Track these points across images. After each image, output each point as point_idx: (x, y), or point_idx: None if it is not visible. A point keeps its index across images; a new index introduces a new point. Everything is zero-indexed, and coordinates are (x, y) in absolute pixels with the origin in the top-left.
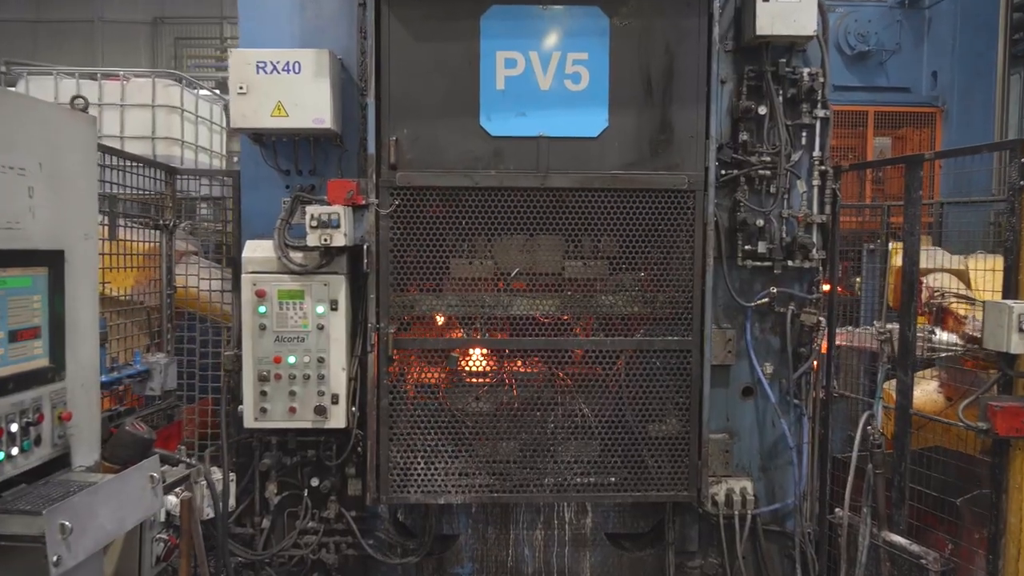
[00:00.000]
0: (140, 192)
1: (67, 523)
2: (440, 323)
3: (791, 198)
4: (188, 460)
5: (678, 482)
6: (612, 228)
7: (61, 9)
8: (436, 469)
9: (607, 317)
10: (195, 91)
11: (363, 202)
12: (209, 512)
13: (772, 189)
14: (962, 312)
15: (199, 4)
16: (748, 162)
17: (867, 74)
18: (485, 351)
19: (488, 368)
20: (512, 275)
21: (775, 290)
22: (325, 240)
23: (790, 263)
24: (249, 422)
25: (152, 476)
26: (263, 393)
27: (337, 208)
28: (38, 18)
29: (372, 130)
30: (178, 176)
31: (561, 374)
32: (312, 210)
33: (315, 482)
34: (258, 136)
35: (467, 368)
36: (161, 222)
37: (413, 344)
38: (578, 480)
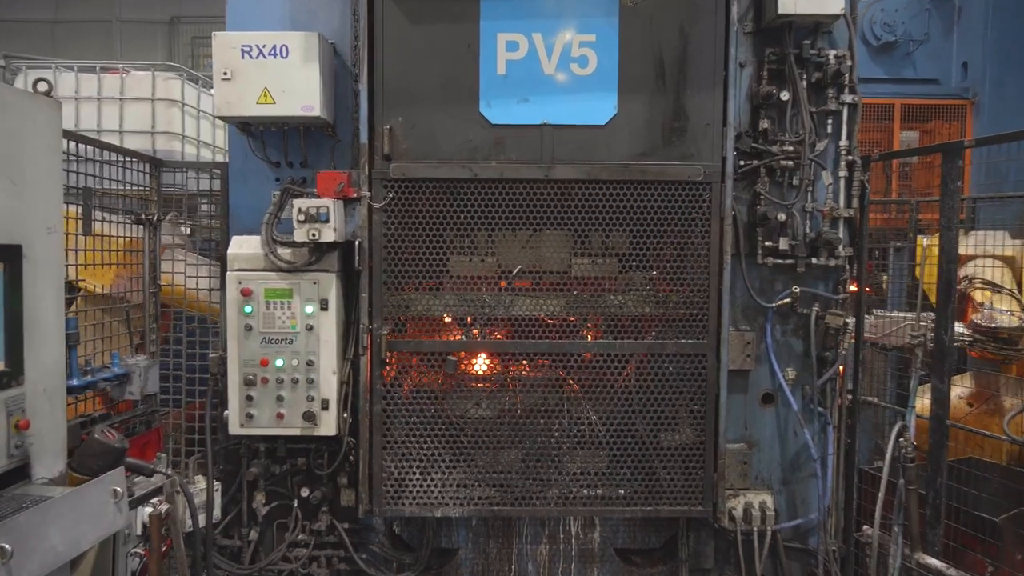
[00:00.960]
0: (126, 185)
1: (7, 546)
2: (437, 324)
3: (815, 191)
4: (163, 470)
5: (692, 495)
6: (621, 223)
7: (79, 9)
8: (433, 480)
9: (616, 318)
10: (197, 85)
11: (355, 195)
12: (191, 524)
13: (795, 181)
14: (978, 299)
15: (216, 3)
16: (769, 152)
17: (893, 65)
18: (485, 354)
19: (488, 372)
20: (514, 273)
21: (798, 290)
22: (313, 235)
23: (814, 261)
24: (235, 428)
25: (115, 490)
26: (249, 398)
27: (326, 201)
28: (56, 18)
29: (364, 118)
30: (164, 169)
31: (567, 378)
32: (300, 203)
33: (305, 492)
34: (245, 125)
35: (466, 372)
36: (144, 216)
37: (408, 346)
38: (584, 493)
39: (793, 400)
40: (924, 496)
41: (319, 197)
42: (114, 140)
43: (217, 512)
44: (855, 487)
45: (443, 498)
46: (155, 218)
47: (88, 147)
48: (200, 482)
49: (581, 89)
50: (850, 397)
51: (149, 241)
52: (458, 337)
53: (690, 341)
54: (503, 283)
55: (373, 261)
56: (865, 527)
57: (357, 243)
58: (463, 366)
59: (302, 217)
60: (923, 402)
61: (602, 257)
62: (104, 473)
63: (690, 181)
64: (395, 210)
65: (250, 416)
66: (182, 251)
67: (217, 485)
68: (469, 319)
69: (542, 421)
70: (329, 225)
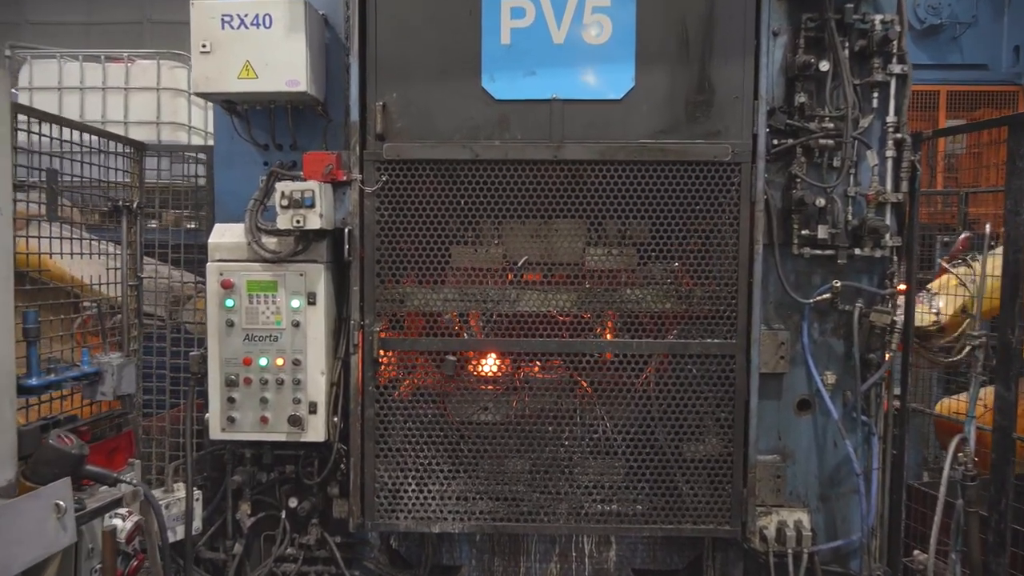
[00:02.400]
0: (106, 172)
1: None
2: (436, 321)
3: (859, 173)
4: (127, 479)
5: (718, 513)
6: (640, 209)
7: (111, 11)
8: (430, 491)
9: (633, 315)
10: None
11: (344, 178)
12: (169, 536)
13: (836, 162)
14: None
15: None
16: (806, 129)
17: (939, 50)
18: (488, 354)
19: (492, 374)
20: (519, 264)
21: (838, 284)
22: (298, 222)
23: (857, 251)
24: (215, 433)
25: (57, 504)
26: (231, 400)
27: (311, 184)
28: (90, 20)
29: (355, 94)
30: (147, 153)
31: (579, 380)
32: (283, 187)
33: (293, 503)
34: (230, 104)
35: (466, 374)
36: (122, 203)
37: (403, 345)
38: (598, 508)
39: (833, 407)
40: (987, 519)
41: (306, 181)
42: (119, 131)
43: (198, 523)
44: (903, 505)
45: (441, 512)
46: (134, 205)
47: (66, 130)
48: (180, 490)
49: (595, 60)
50: (898, 404)
51: (128, 231)
52: (458, 335)
53: (716, 341)
54: (509, 276)
55: (365, 251)
56: (916, 552)
57: (347, 231)
58: (464, 367)
59: (285, 202)
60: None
61: (618, 247)
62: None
63: (717, 161)
64: (389, 195)
65: (232, 420)
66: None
67: (198, 494)
68: (470, 315)
69: (551, 428)
70: (315, 211)
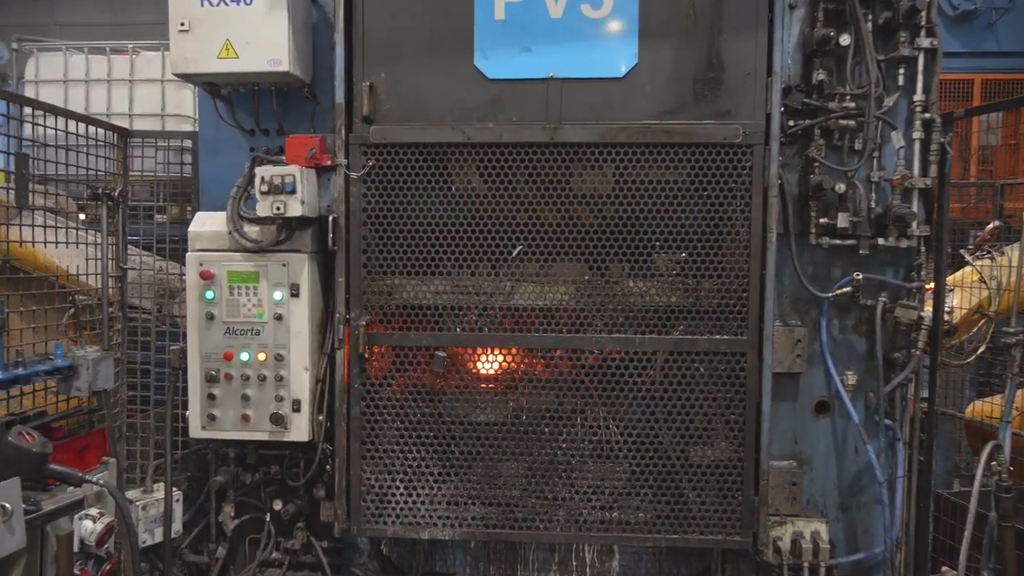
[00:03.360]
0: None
1: None
2: (426, 314)
3: (883, 156)
4: (93, 479)
5: (728, 522)
6: (643, 195)
7: (137, 12)
8: (419, 495)
9: (637, 309)
10: None
11: (329, 163)
12: (147, 539)
13: (857, 144)
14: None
15: None
16: (825, 109)
17: (973, 38)
18: (481, 350)
19: (485, 372)
20: (515, 254)
21: (860, 276)
22: (278, 209)
23: (881, 241)
24: (195, 431)
25: (3, 506)
26: (211, 396)
27: (292, 169)
28: (116, 21)
29: (341, 73)
30: (131, 140)
31: (579, 378)
32: (262, 171)
33: (278, 505)
34: (214, 87)
35: (458, 371)
36: (102, 191)
37: (390, 340)
38: (599, 515)
39: (853, 410)
40: (1022, 533)
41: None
42: (123, 123)
43: (178, 525)
44: (930, 517)
45: (431, 517)
46: (116, 193)
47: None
48: (160, 491)
49: (595, 35)
50: (925, 407)
51: (108, 219)
52: (450, 329)
53: (725, 337)
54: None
55: (350, 240)
56: (945, 569)
57: (331, 219)
58: (456, 364)
59: (265, 188)
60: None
61: (623, 239)
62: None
63: (727, 143)
64: (376, 181)
65: (212, 417)
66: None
67: (178, 494)
68: (462, 308)
69: (547, 429)
70: (296, 197)
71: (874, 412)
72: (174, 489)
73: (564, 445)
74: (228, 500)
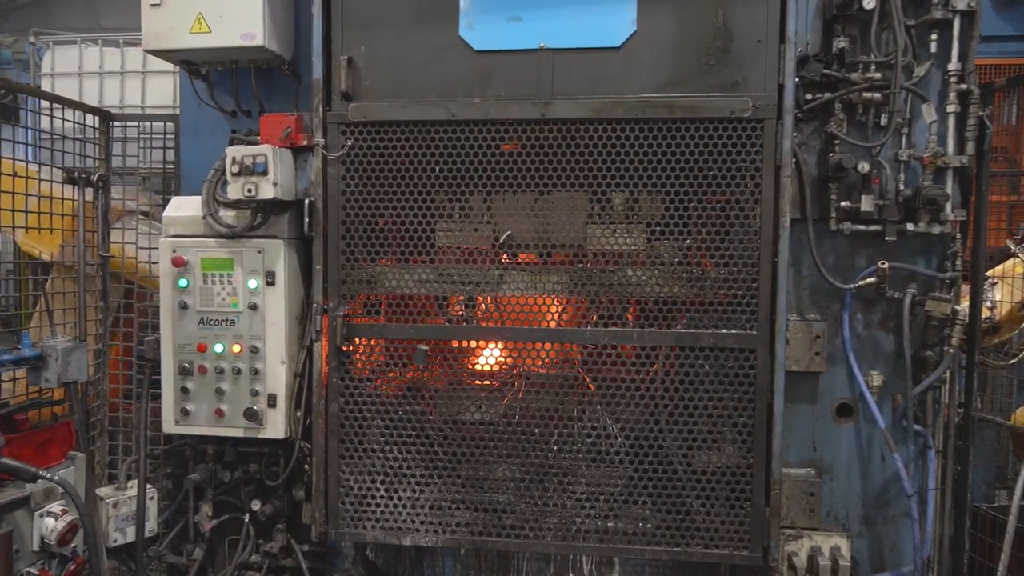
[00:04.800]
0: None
1: None
2: (408, 305)
3: (913, 132)
4: (46, 475)
5: (736, 535)
6: (642, 175)
7: None
8: (401, 498)
9: (636, 300)
10: None
11: (305, 142)
12: (118, 538)
13: (883, 120)
14: None
15: None
16: (847, 80)
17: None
18: (467, 344)
19: (471, 367)
20: (502, 240)
21: (886, 265)
22: (249, 191)
23: (910, 227)
24: (169, 426)
25: None
26: (184, 390)
27: (264, 148)
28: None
29: (318, 47)
30: (114, 123)
31: (574, 375)
32: (233, 151)
33: (256, 506)
34: (192, 66)
35: (442, 366)
36: (77, 175)
37: (370, 331)
38: (594, 524)
39: (879, 414)
40: None
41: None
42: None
43: (152, 524)
44: (966, 533)
45: (413, 522)
46: (95, 176)
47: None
48: (134, 488)
49: (589, 1)
50: (961, 412)
51: (86, 203)
52: (439, 321)
53: (733, 332)
54: (501, 254)
55: (328, 225)
56: None
57: (307, 202)
58: (439, 358)
59: (236, 168)
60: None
61: (619, 222)
62: None
63: (734, 118)
64: (356, 162)
65: (186, 412)
66: (144, 218)
67: (152, 492)
68: (448, 299)
69: (538, 430)
70: (267, 178)
71: (902, 416)
72: (149, 487)
73: (556, 447)
74: (206, 499)
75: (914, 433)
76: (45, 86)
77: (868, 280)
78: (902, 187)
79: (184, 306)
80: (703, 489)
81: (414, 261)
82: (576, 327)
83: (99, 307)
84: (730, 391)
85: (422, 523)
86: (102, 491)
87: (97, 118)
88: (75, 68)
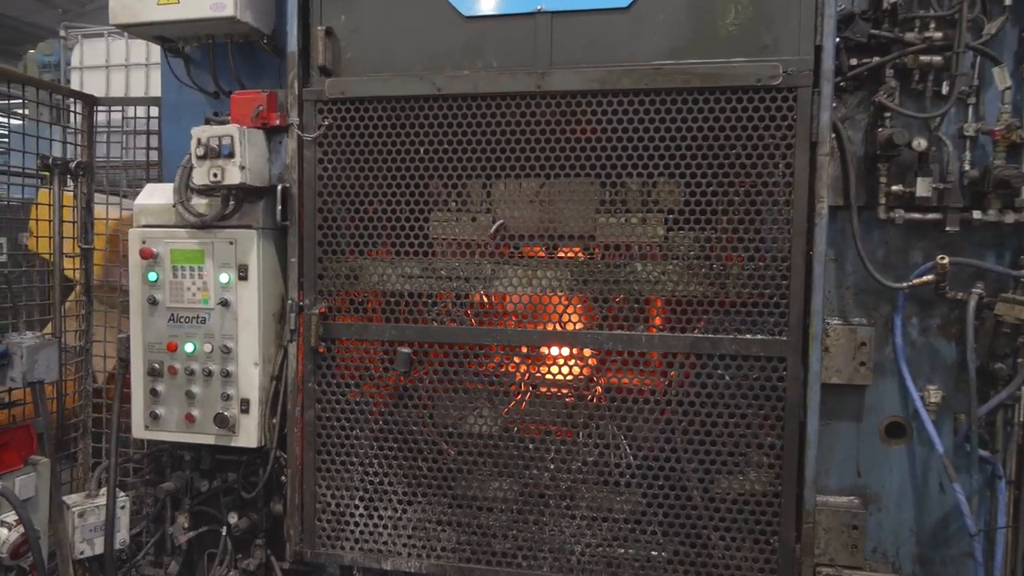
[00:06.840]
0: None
1: None
2: (390, 303)
3: (981, 102)
4: None
5: (761, 573)
6: (653, 155)
7: None
8: (382, 517)
9: (646, 299)
10: None
11: (278, 122)
12: (85, 550)
13: (944, 87)
14: None
15: None
16: (900, 41)
17: None
18: (453, 347)
19: (460, 371)
20: (493, 229)
21: (946, 260)
22: (215, 176)
23: (977, 215)
24: (138, 431)
25: None
26: (154, 392)
27: (230, 129)
28: None
29: (294, 16)
30: (98, 108)
31: (572, 385)
32: (198, 132)
33: (233, 519)
34: (170, 44)
35: (428, 371)
36: (52, 161)
37: (348, 331)
38: (596, 552)
39: (937, 436)
40: None
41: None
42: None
43: (124, 535)
44: None
45: (394, 544)
46: (72, 165)
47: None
48: (103, 496)
49: None
50: None
51: (60, 191)
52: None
53: (759, 337)
54: (506, 249)
55: (304, 213)
56: None
57: (280, 188)
58: (425, 362)
59: (201, 151)
60: None
61: (624, 211)
62: None
63: (762, 86)
64: (334, 143)
65: (155, 416)
66: None
67: (124, 501)
68: (434, 296)
69: (532, 446)
70: (234, 162)
71: (965, 439)
72: (121, 495)
73: (553, 466)
74: (183, 509)
75: (980, 459)
76: (74, 79)
77: (925, 278)
78: (967, 167)
79: (154, 301)
80: (722, 519)
81: (389, 255)
82: (578, 329)
83: (81, 302)
84: (754, 406)
85: (404, 546)
86: (70, 499)
87: (80, 102)
88: (102, 61)
